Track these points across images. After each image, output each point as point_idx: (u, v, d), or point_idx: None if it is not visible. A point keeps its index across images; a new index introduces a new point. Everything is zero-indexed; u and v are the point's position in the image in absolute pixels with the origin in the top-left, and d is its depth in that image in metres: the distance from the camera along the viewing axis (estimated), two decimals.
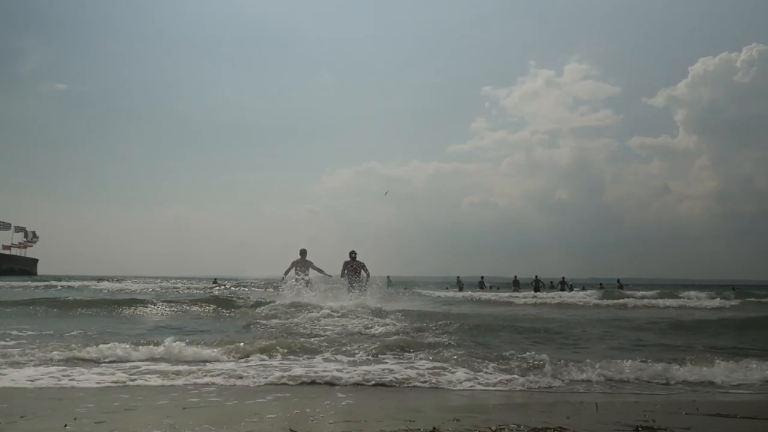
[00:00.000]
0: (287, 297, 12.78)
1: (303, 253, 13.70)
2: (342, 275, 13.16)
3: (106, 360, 5.74)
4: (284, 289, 13.35)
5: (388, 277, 36.48)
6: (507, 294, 26.73)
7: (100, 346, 6.04)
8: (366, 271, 13.19)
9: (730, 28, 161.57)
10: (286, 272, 13.69)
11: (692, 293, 25.11)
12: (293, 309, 11.18)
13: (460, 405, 4.24)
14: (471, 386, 5.02)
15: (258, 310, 11.90)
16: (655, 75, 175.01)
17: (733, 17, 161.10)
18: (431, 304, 17.41)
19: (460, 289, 32.51)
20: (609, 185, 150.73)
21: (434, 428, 3.28)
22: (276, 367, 5.54)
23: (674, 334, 9.22)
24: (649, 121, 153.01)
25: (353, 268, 13.12)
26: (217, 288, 29.40)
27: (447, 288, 35.93)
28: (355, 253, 13.25)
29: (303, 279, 13.36)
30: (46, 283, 34.45)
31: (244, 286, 29.95)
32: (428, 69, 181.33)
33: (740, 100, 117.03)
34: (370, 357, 6.23)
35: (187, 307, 12.79)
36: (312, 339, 7.52)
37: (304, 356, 6.22)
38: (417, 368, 5.54)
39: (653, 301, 20.53)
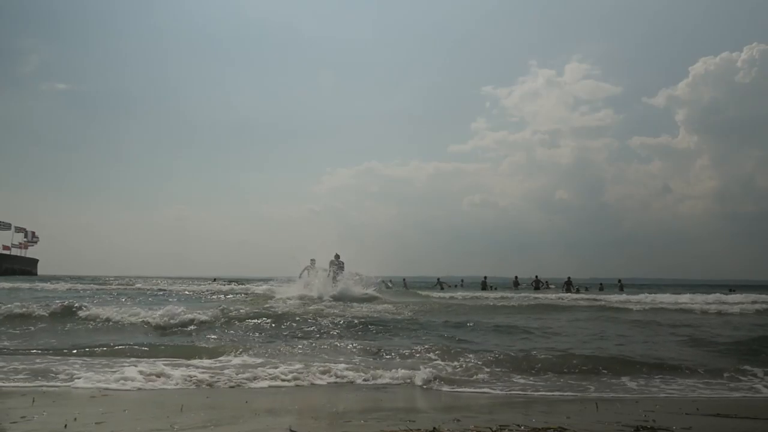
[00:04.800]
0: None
1: (337, 256, 18.05)
2: (328, 270, 17.87)
3: None
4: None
5: (382, 280, 36.53)
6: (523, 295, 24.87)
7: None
8: (342, 269, 17.90)
9: (731, 28, 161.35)
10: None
11: None
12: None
13: (461, 405, 4.24)
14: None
15: None
16: (656, 75, 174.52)
17: (733, 17, 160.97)
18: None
19: (441, 289, 32.02)
20: (609, 185, 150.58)
21: (434, 428, 3.28)
22: None
23: None
24: (649, 121, 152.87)
25: (337, 266, 17.79)
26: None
27: (456, 286, 35.91)
28: (338, 255, 18.14)
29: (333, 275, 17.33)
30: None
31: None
32: (428, 69, 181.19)
33: (741, 100, 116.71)
34: None
35: None
36: None
37: None
38: None
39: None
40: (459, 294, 24.63)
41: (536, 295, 23.75)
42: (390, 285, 33.87)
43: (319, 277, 16.96)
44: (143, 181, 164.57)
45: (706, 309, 15.21)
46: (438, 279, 36.12)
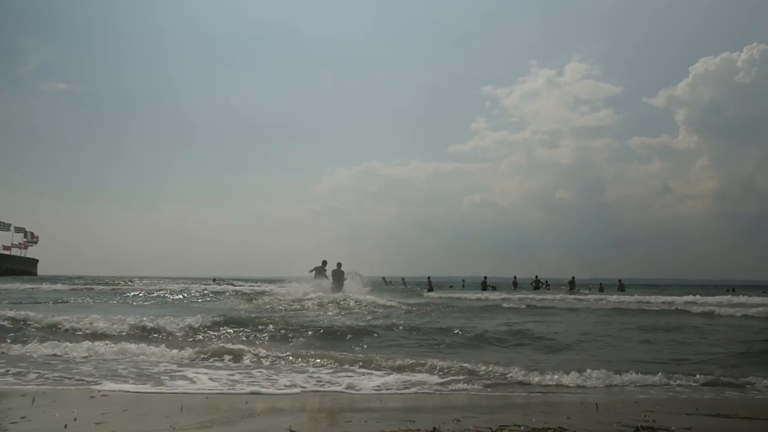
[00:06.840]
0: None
1: (339, 265, 17.96)
2: (329, 278, 17.97)
3: None
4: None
5: (383, 278, 36.66)
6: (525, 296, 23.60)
7: None
8: (344, 277, 17.98)
9: (731, 28, 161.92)
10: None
11: None
12: None
13: (461, 405, 4.24)
14: None
15: None
16: (656, 75, 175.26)
17: (733, 17, 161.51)
18: None
19: (430, 290, 31.05)
20: (609, 185, 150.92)
21: (434, 428, 3.28)
22: None
23: None
24: (649, 121, 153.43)
25: (338, 274, 17.67)
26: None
27: (451, 286, 35.93)
28: (341, 264, 18.06)
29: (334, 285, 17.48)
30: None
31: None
32: (428, 69, 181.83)
33: (741, 100, 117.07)
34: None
35: None
36: None
37: None
38: None
39: None
40: (458, 294, 24.64)
41: (536, 296, 23.72)
42: (389, 284, 33.95)
43: (319, 282, 17.33)
44: (143, 181, 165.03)
45: (708, 310, 15.21)
46: (428, 278, 35.95)
